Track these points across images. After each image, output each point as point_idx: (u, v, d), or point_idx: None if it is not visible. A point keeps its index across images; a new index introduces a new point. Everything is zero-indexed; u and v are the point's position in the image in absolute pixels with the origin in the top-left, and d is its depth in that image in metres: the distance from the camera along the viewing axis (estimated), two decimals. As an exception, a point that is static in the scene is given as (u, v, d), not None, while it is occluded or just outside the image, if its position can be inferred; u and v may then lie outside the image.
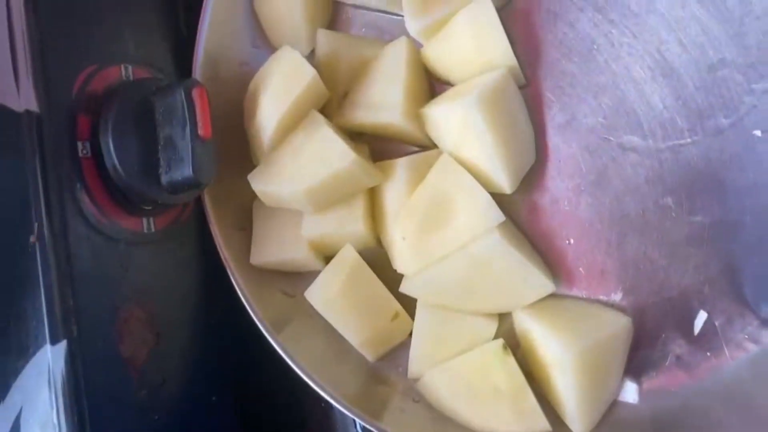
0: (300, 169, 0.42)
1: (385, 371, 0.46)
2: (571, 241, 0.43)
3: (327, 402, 0.47)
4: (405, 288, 0.43)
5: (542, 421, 0.40)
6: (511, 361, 0.41)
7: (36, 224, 0.36)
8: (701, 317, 0.40)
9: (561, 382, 0.40)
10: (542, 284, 0.41)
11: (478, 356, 0.41)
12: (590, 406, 0.40)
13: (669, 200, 0.41)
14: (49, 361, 0.36)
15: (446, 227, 0.42)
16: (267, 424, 0.50)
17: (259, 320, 0.44)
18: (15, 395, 0.37)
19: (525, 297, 0.42)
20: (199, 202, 0.46)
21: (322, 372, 0.43)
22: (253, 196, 0.45)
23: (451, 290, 0.42)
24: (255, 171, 0.44)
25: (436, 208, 0.42)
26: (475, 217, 0.41)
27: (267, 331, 0.44)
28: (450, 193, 0.42)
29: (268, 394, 0.50)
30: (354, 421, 0.48)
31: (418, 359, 0.44)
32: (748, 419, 0.37)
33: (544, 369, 0.41)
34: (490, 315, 0.43)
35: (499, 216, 0.40)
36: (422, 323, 0.44)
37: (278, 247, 0.46)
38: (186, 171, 0.39)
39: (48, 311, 0.36)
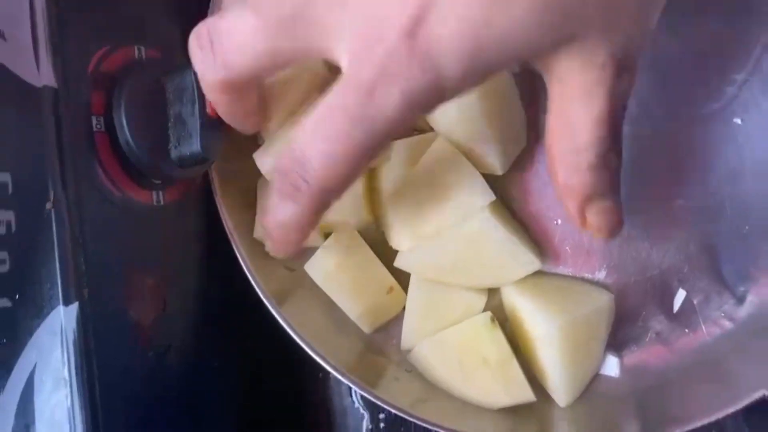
0: None
1: (380, 343, 0.48)
2: (559, 221, 0.45)
3: (325, 371, 0.49)
4: (399, 263, 0.45)
5: (527, 392, 0.42)
6: (499, 333, 0.43)
7: (52, 192, 0.38)
8: (680, 295, 0.42)
9: (545, 354, 0.42)
10: (529, 261, 0.43)
11: (467, 328, 0.44)
12: (573, 379, 0.42)
13: (653, 184, 0.43)
14: (62, 321, 0.39)
15: (440, 206, 0.44)
16: (267, 390, 0.52)
17: (262, 292, 0.46)
18: (30, 353, 0.40)
19: (513, 273, 0.44)
20: (206, 178, 0.48)
21: (321, 342, 0.45)
22: (259, 174, 0.47)
23: (442, 266, 0.44)
24: (260, 149, 0.47)
25: (430, 188, 0.44)
26: (467, 197, 0.43)
27: (269, 302, 0.46)
28: (444, 174, 0.44)
29: (268, 362, 0.52)
30: (349, 389, 0.51)
31: (410, 331, 0.46)
32: (721, 389, 0.38)
33: (530, 342, 0.43)
34: (479, 290, 0.45)
35: (489, 196, 0.42)
36: (415, 297, 0.46)
37: None
38: (194, 146, 0.41)
39: (61, 274, 0.38)
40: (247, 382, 0.50)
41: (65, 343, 0.39)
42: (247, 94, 0.39)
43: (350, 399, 0.51)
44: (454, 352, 0.44)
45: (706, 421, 0.36)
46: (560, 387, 0.42)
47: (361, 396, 0.50)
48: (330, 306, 0.48)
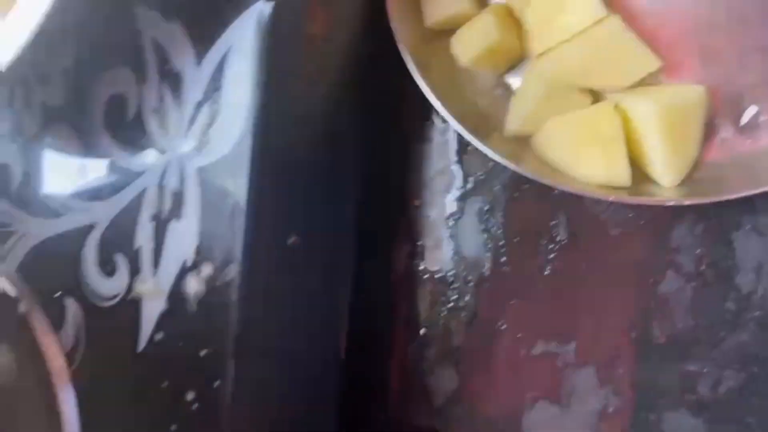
0: None
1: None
2: (662, 37, 0.52)
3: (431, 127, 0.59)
4: (531, 71, 0.53)
5: (625, 173, 0.49)
6: (617, 118, 0.50)
7: None
8: (751, 110, 0.50)
9: (647, 134, 0.48)
10: (652, 60, 0.50)
11: (593, 110, 0.51)
12: (674, 157, 0.49)
13: (750, 11, 0.50)
14: (259, 15, 0.49)
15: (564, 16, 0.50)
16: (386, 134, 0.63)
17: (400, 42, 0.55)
18: (229, 35, 0.50)
19: (636, 73, 0.51)
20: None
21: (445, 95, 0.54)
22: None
23: (570, 69, 0.51)
24: None
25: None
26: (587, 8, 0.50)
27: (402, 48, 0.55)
28: None
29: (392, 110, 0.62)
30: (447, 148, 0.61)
31: (517, 117, 0.54)
32: (751, 180, 0.47)
33: (636, 133, 0.49)
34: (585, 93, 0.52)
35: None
36: (527, 89, 0.54)
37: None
38: None
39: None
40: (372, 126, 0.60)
41: (258, 33, 0.49)
42: None
43: (447, 159, 0.61)
44: (574, 130, 0.51)
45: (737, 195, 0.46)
46: (664, 168, 0.49)
47: (458, 155, 0.60)
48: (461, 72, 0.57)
